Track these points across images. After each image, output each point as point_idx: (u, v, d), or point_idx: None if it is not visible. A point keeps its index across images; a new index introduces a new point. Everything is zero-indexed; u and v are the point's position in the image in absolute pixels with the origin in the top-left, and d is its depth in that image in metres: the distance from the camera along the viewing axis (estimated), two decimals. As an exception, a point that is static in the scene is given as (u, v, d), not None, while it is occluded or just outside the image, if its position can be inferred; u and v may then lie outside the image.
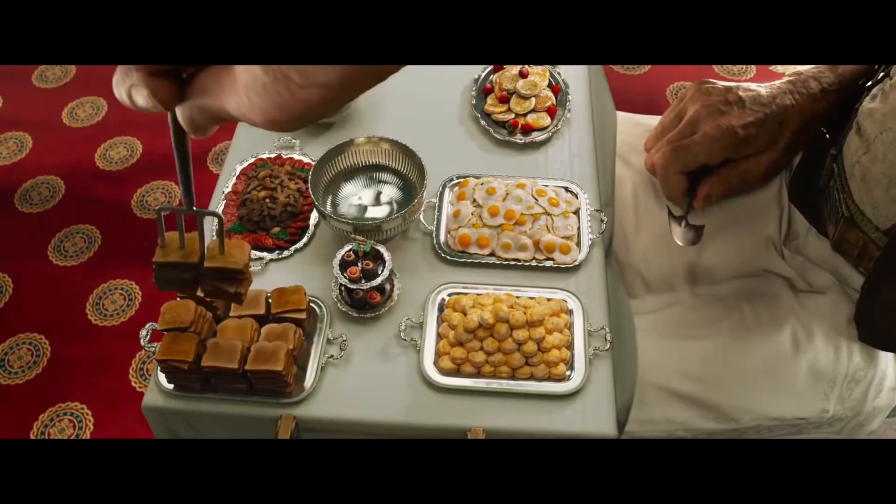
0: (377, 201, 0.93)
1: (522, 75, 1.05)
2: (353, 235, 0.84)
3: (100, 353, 1.72)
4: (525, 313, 0.80)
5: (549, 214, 0.92)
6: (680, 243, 0.89)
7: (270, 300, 0.84)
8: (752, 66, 2.39)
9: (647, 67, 2.45)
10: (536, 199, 0.93)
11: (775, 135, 0.90)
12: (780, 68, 2.33)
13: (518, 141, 1.01)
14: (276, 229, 0.92)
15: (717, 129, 0.88)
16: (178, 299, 0.81)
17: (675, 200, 0.93)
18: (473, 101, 1.06)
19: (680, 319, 0.89)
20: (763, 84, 0.92)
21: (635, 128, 1.06)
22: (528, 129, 1.02)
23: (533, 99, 1.03)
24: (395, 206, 0.92)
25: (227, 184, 0.99)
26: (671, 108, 0.96)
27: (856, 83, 0.90)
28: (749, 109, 0.89)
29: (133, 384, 1.65)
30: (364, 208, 0.93)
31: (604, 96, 1.16)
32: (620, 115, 1.13)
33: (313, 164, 0.91)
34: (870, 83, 0.85)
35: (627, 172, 1.00)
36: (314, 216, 0.94)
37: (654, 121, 1.03)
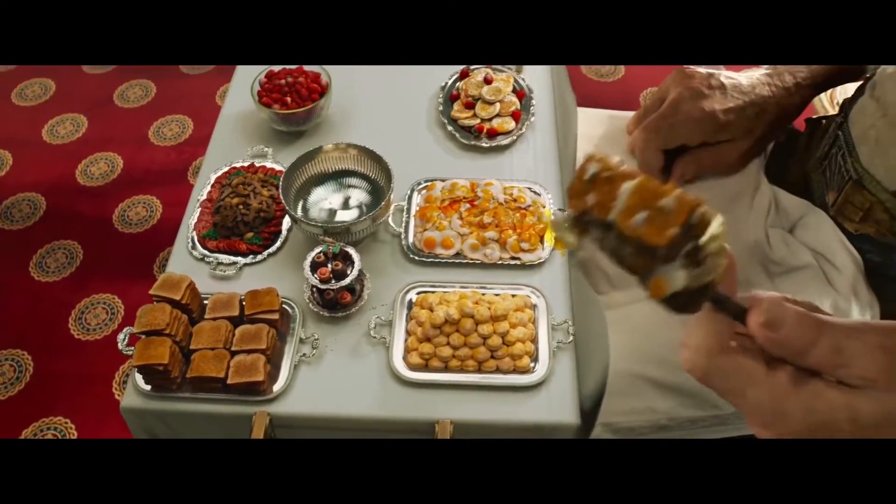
0: (347, 205, 0.96)
1: (487, 81, 1.08)
2: (322, 238, 0.87)
3: (83, 367, 1.73)
4: (490, 308, 0.83)
5: (517, 211, 0.95)
6: None
7: (244, 302, 0.86)
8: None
9: (621, 74, 2.50)
10: (505, 200, 0.96)
11: (752, 123, 0.94)
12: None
13: (483, 145, 1.05)
14: (250, 234, 0.95)
15: (700, 111, 0.91)
16: (154, 303, 0.84)
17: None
18: (440, 108, 1.09)
19: (657, 309, 0.92)
20: (742, 73, 0.96)
21: (613, 121, 1.09)
22: (493, 133, 1.05)
23: (497, 104, 1.06)
24: (364, 209, 0.95)
25: (201, 192, 1.01)
26: (654, 93, 1.00)
27: (828, 78, 0.95)
28: (730, 96, 0.93)
29: (117, 396, 1.66)
30: (334, 212, 0.96)
31: (567, 98, 1.20)
32: (597, 111, 1.16)
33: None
34: None
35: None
36: (287, 221, 0.97)
37: (631, 115, 1.07)
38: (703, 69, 0.96)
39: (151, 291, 0.84)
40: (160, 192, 2.11)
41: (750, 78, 0.96)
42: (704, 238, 0.37)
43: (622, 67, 2.53)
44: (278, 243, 0.96)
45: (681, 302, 0.40)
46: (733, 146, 0.95)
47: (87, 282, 1.89)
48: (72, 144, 2.24)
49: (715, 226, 0.37)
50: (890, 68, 0.84)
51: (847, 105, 0.93)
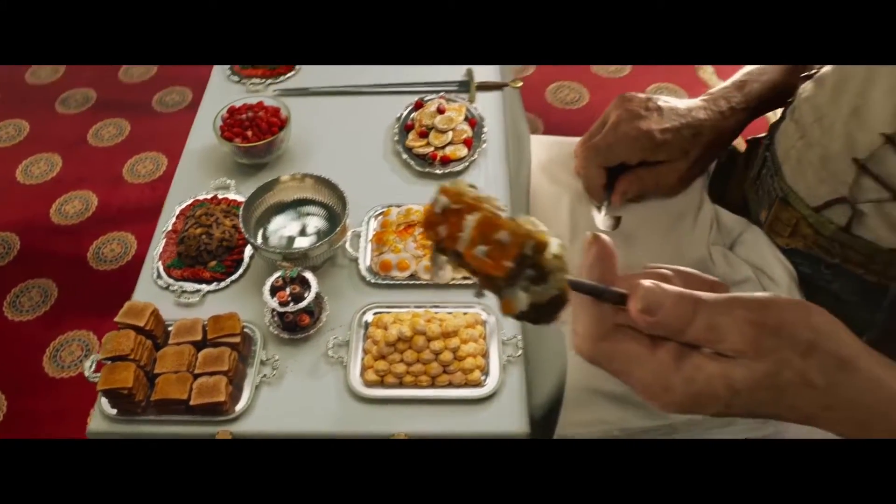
0: (305, 232, 1.00)
1: (440, 111, 1.14)
2: (280, 263, 0.91)
3: (58, 404, 1.75)
4: (441, 325, 0.87)
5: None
6: (601, 227, 0.98)
7: (207, 327, 0.90)
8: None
9: (586, 101, 2.57)
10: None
11: (688, 144, 1.00)
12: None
13: (437, 172, 1.10)
14: (213, 263, 0.99)
15: (637, 130, 0.98)
16: (120, 330, 0.87)
17: (593, 193, 1.03)
18: (396, 137, 1.14)
19: None
20: (681, 100, 1.03)
21: (563, 147, 1.15)
22: (446, 161, 1.10)
23: (450, 132, 1.12)
24: (321, 235, 1.00)
25: (166, 223, 1.05)
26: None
27: (760, 104, 1.01)
28: (667, 117, 0.99)
29: (91, 430, 1.67)
30: (293, 239, 1.00)
31: (520, 126, 1.26)
32: (549, 138, 1.22)
33: (245, 201, 0.98)
34: (804, 74, 0.95)
35: (561, 189, 1.08)
36: (249, 249, 1.01)
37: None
38: (642, 94, 1.02)
39: (116, 319, 0.88)
40: (135, 228, 2.14)
41: (687, 103, 1.02)
42: (548, 254, 0.42)
43: (587, 95, 2.61)
44: (241, 270, 0.99)
45: (533, 316, 0.44)
46: (671, 167, 1.01)
47: (61, 320, 1.91)
48: (46, 184, 2.27)
49: (553, 247, 0.42)
50: (805, 92, 0.90)
51: (773, 128, 1.00)
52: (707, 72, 2.72)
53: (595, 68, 2.71)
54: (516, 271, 0.41)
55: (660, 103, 1.00)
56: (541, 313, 0.43)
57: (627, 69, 2.72)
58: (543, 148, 1.21)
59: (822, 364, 0.41)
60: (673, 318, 0.42)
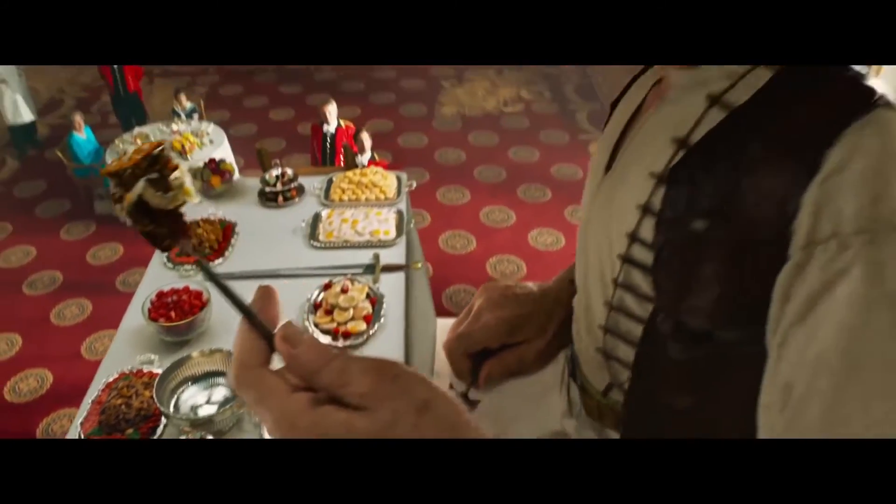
0: (211, 400, 1.13)
1: (343, 291, 1.30)
2: (183, 429, 1.03)
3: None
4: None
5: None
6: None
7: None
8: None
9: (524, 273, 2.77)
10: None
11: (544, 324, 1.14)
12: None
13: (339, 345, 1.24)
14: (130, 430, 1.10)
15: (496, 319, 1.11)
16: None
17: (461, 378, 1.15)
18: (305, 315, 1.30)
19: None
20: (537, 284, 1.18)
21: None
22: (347, 335, 1.25)
23: (352, 309, 1.27)
24: (227, 402, 1.12)
25: (93, 395, 1.18)
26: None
27: None
28: (522, 303, 1.13)
29: None
30: (202, 407, 1.12)
31: (426, 309, 1.42)
32: (450, 320, 1.37)
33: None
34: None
35: (444, 367, 1.22)
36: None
37: None
38: (503, 283, 1.17)
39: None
40: (87, 404, 2.23)
41: (542, 286, 1.18)
42: (175, 174, 0.47)
43: (524, 267, 2.81)
44: (156, 436, 1.11)
45: (150, 227, 0.47)
46: (531, 346, 1.14)
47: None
48: (2, 363, 2.38)
49: (183, 174, 0.50)
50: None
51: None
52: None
53: (532, 242, 2.94)
54: (142, 165, 0.47)
55: (517, 290, 1.15)
56: (155, 224, 0.47)
57: (563, 242, 2.95)
58: (446, 329, 1.35)
59: (436, 425, 0.43)
60: (312, 354, 0.43)
